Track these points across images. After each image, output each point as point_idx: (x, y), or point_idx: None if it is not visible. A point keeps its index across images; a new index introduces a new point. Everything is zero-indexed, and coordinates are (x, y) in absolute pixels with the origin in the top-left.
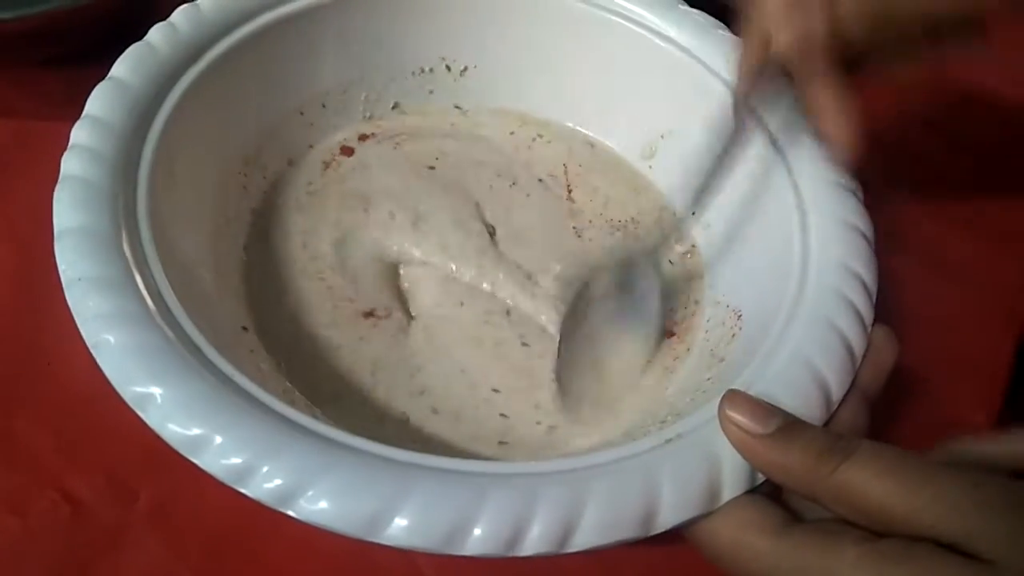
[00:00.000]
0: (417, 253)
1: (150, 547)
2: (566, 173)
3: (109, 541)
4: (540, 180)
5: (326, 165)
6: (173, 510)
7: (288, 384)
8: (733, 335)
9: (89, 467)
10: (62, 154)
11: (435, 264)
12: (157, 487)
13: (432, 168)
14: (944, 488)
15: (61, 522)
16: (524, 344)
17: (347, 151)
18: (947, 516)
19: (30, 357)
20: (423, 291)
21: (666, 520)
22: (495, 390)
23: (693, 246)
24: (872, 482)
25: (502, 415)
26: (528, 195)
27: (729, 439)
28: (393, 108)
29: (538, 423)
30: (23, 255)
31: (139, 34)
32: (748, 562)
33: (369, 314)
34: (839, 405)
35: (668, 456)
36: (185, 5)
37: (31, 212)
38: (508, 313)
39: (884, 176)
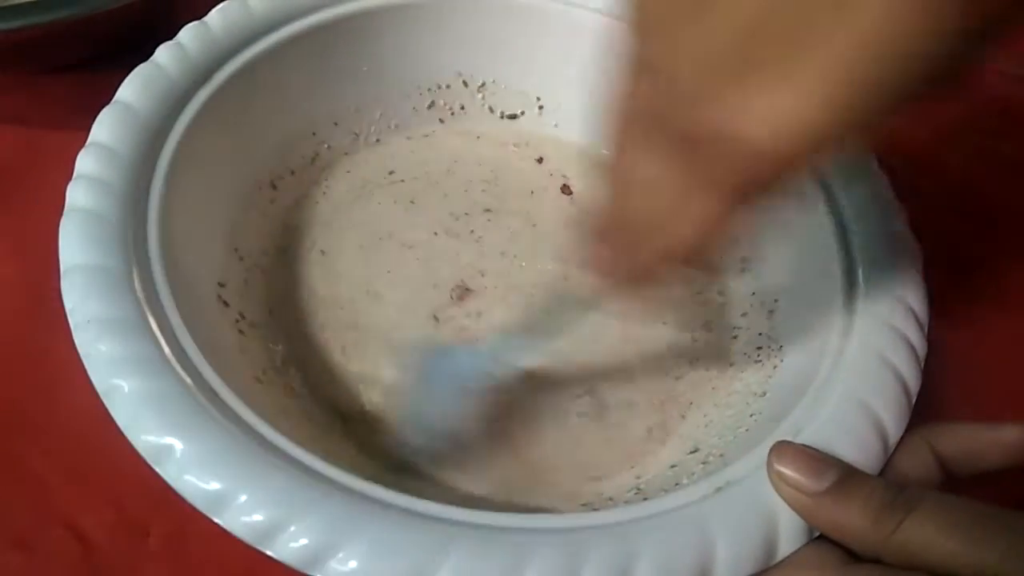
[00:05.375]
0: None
1: None
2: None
3: None
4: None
5: (346, 188)
6: (186, 547)
7: (315, 434)
8: (775, 367)
9: (98, 500)
10: (74, 163)
11: None
12: (169, 522)
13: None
14: (1016, 541)
15: (69, 559)
16: None
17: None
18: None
19: (38, 380)
20: None
21: None
22: None
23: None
24: (937, 538)
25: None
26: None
27: (781, 496)
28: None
29: None
30: (32, 270)
31: (153, 42)
32: None
33: None
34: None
35: (720, 508)
36: (193, 23)
37: (41, 225)
38: None
39: (928, 197)
